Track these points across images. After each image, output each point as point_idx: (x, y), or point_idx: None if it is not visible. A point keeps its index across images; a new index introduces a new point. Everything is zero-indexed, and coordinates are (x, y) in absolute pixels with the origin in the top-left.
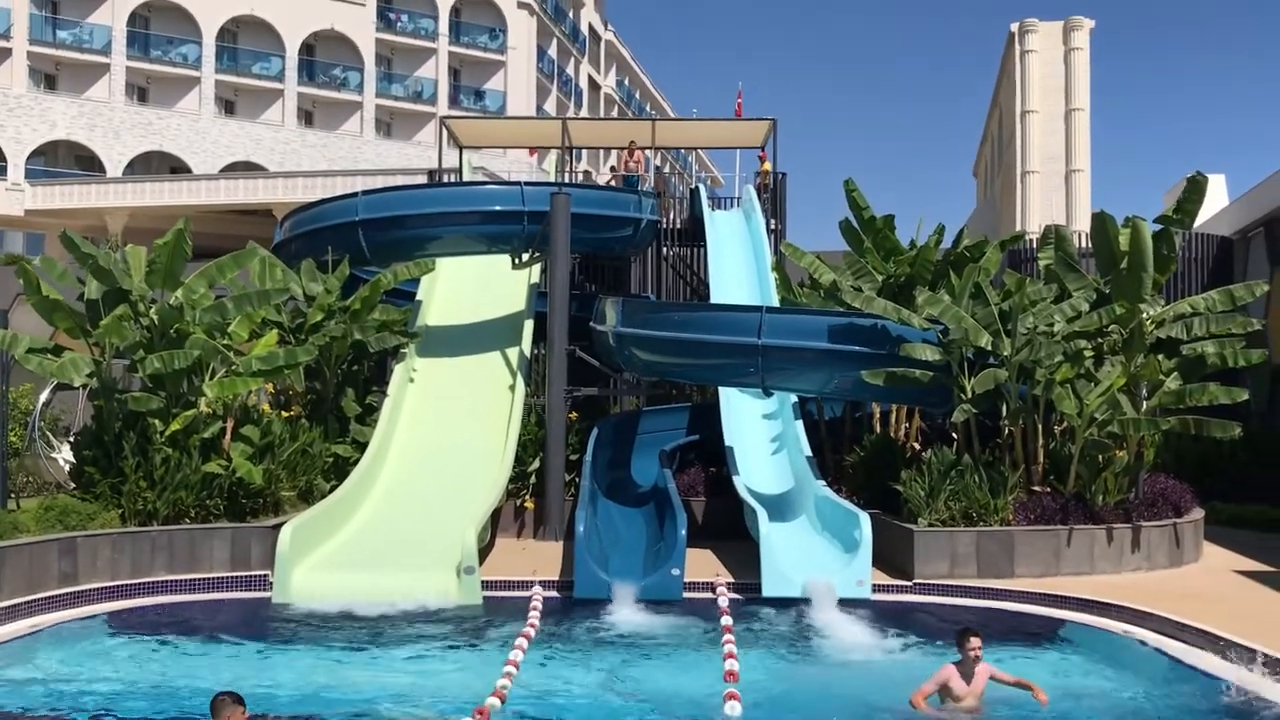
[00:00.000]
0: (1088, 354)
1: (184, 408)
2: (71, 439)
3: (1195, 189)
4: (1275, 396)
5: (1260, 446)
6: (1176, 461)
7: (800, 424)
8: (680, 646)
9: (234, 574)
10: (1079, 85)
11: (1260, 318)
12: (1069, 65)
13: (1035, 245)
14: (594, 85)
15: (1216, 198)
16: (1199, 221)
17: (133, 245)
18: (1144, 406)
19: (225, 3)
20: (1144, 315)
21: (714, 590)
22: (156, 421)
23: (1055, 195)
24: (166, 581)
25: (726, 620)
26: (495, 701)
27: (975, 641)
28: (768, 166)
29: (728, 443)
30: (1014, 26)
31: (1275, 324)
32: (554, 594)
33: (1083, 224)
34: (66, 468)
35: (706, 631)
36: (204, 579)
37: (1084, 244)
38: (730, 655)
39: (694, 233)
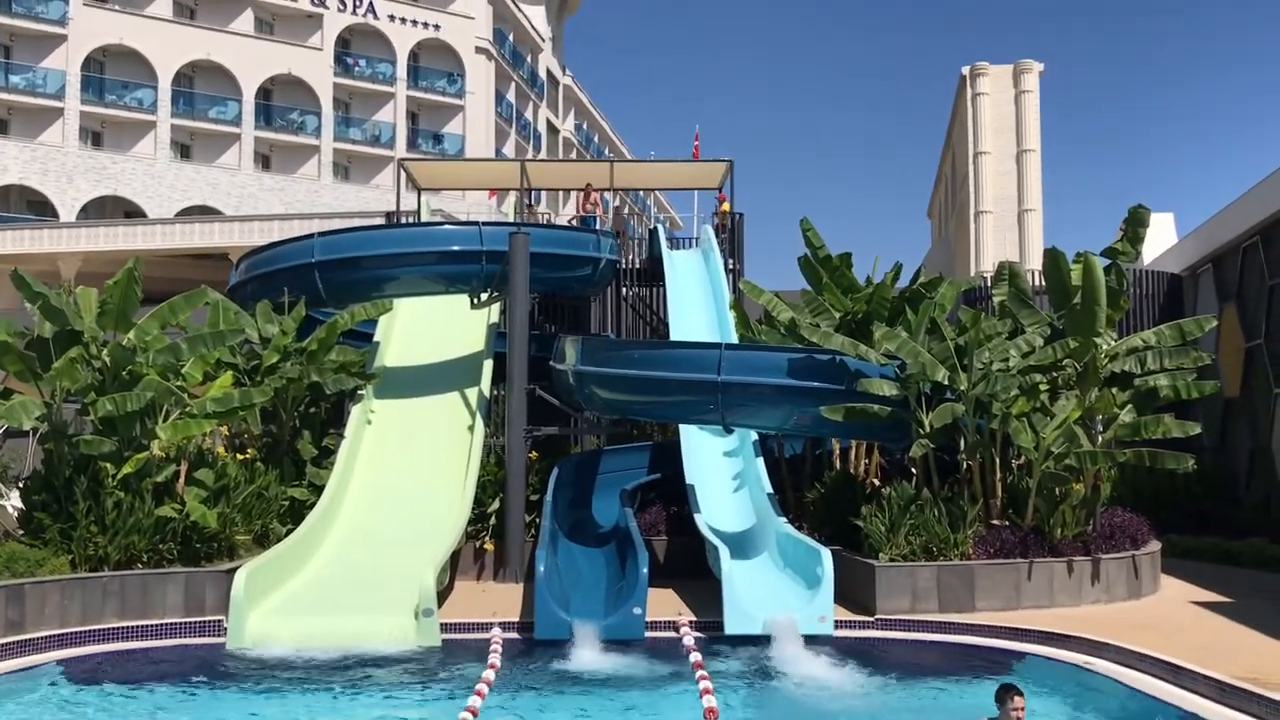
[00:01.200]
0: (1043, 388)
1: (136, 450)
2: (20, 484)
3: (1136, 219)
4: (1226, 431)
5: (1213, 480)
6: (1133, 495)
7: (761, 461)
8: (645, 685)
9: (187, 620)
10: (1029, 127)
11: (1210, 352)
12: (1019, 107)
13: (990, 283)
14: (552, 129)
15: (1165, 236)
16: (1149, 259)
17: (84, 287)
18: (1099, 439)
19: (181, 47)
20: (1098, 349)
21: (678, 629)
22: (108, 465)
23: (1008, 235)
24: (118, 628)
25: (696, 657)
26: None
27: (1019, 701)
28: (726, 207)
29: (689, 481)
30: (965, 70)
31: (1226, 358)
32: (515, 635)
33: (1036, 263)
34: (15, 515)
35: (671, 670)
36: (157, 625)
37: (1037, 282)
38: (707, 691)
39: (653, 273)
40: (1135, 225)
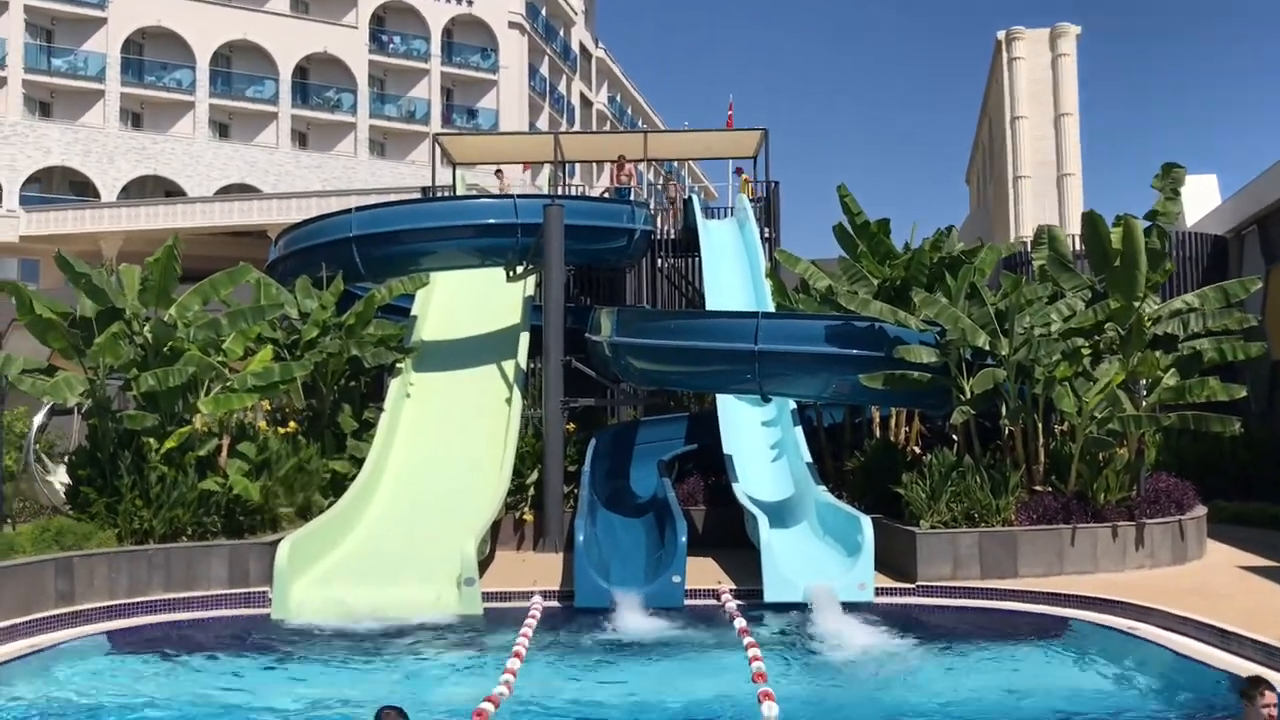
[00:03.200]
0: (1085, 352)
1: (179, 425)
2: (66, 460)
3: (1170, 177)
4: (1274, 395)
5: (1260, 445)
6: (1178, 462)
7: (799, 430)
8: (687, 651)
9: (232, 591)
10: (1067, 90)
11: (1256, 314)
12: (1056, 71)
13: (1029, 247)
14: (586, 102)
15: (1209, 197)
16: (1192, 221)
17: (126, 265)
18: (1143, 403)
19: (219, 28)
20: (1140, 311)
21: (718, 597)
22: (151, 440)
23: (1047, 200)
24: (164, 600)
25: (741, 623)
26: (489, 707)
27: (1270, 697)
28: (746, 178)
29: (726, 451)
30: (1000, 34)
31: (1272, 321)
32: (555, 603)
33: (1075, 228)
34: (62, 490)
35: (712, 636)
36: (202, 596)
37: (1077, 247)
38: (756, 657)
39: (688, 243)
40: (1171, 184)
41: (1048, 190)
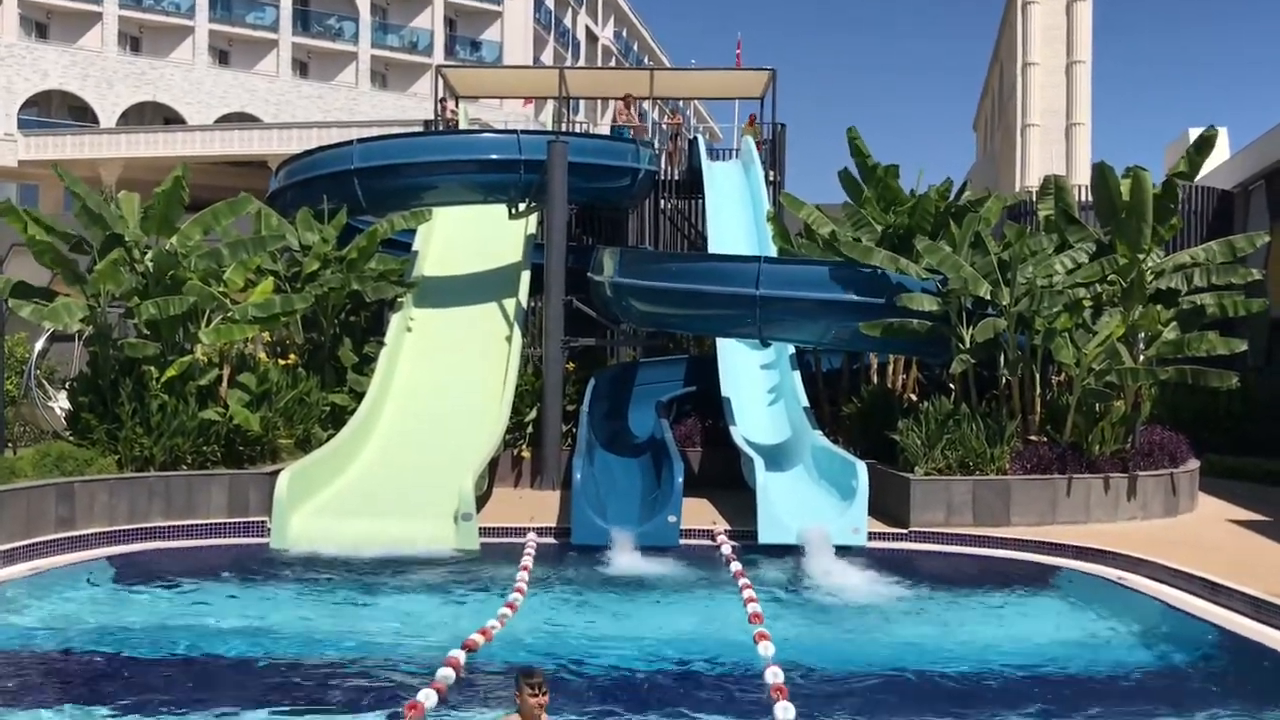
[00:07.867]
0: (1086, 304)
1: (180, 354)
2: (67, 386)
3: (1206, 144)
4: (1273, 351)
5: (1255, 400)
6: (1173, 415)
7: (797, 375)
8: (681, 589)
9: (232, 520)
10: (1081, 37)
11: (1260, 269)
12: (1071, 17)
13: (1035, 198)
14: (592, 37)
15: (1218, 151)
16: (1199, 175)
17: (126, 192)
18: (1141, 356)
19: None
20: (1144, 265)
21: (713, 538)
22: (152, 368)
23: (1055, 149)
24: (164, 527)
25: (737, 566)
26: (479, 638)
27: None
28: (752, 117)
29: (725, 394)
30: None
31: (1276, 277)
32: (551, 540)
33: (1082, 178)
34: (62, 416)
35: (705, 575)
36: (202, 524)
37: (1083, 198)
38: (752, 599)
39: (692, 185)
40: (1203, 148)
41: (1056, 140)
